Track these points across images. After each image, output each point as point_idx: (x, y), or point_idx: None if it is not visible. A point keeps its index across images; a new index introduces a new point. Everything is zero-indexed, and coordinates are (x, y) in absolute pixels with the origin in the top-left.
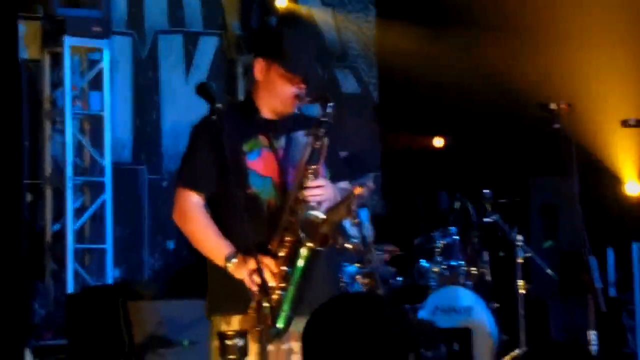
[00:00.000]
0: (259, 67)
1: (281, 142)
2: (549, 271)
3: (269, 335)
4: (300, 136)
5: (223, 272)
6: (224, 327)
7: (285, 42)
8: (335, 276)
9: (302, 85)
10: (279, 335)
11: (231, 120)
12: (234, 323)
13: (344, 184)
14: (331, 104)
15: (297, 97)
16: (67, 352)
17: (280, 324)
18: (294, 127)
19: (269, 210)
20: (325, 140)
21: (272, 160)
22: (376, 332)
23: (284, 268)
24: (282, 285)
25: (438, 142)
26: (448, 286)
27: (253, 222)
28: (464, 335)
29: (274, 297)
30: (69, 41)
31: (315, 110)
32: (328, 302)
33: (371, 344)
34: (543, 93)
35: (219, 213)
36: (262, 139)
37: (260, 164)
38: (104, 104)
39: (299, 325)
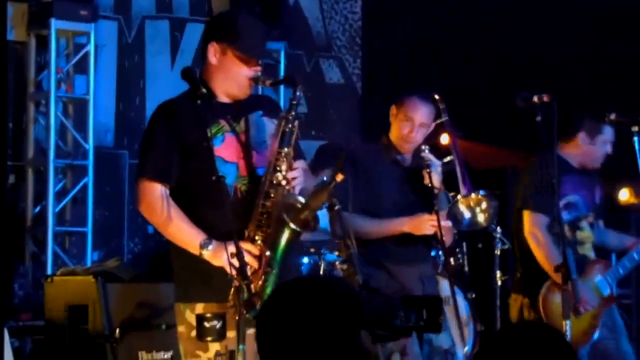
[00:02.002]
0: (213, 51)
1: (241, 125)
2: None
3: (248, 319)
4: (258, 116)
5: (187, 260)
6: (188, 315)
7: (239, 25)
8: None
9: (258, 68)
10: None
11: (191, 106)
12: (198, 311)
13: (300, 164)
14: (299, 86)
15: (253, 79)
16: (45, 333)
17: None
18: (250, 109)
19: (236, 196)
20: (296, 123)
21: (235, 145)
22: (324, 313)
23: (267, 253)
24: (267, 269)
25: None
26: None
27: (222, 208)
28: (435, 303)
29: (259, 282)
30: (55, 24)
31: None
32: (279, 287)
33: (320, 326)
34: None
35: (187, 200)
36: (224, 124)
37: (225, 149)
38: (89, 87)
39: None
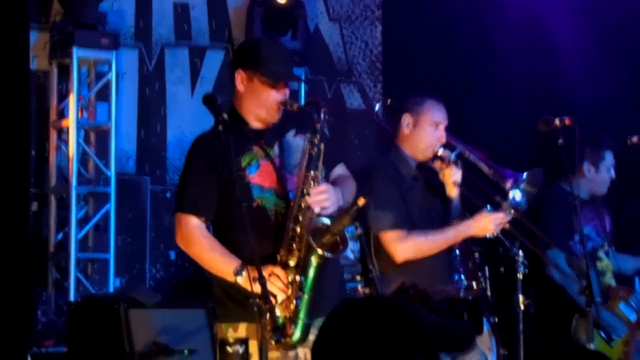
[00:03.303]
0: (240, 78)
1: (275, 149)
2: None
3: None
4: (291, 137)
5: (228, 281)
6: (231, 334)
7: (262, 51)
8: (342, 279)
9: (286, 91)
10: (298, 343)
11: (224, 137)
12: (241, 330)
13: (340, 169)
14: (324, 109)
15: (281, 103)
16: (68, 359)
17: (298, 333)
18: (283, 130)
19: (277, 219)
20: (322, 146)
21: (271, 170)
22: (379, 338)
23: (298, 277)
24: (298, 294)
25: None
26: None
27: (262, 233)
28: (475, 306)
29: (291, 306)
30: (77, 52)
31: None
32: (331, 313)
33: (376, 351)
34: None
35: (226, 228)
36: (257, 150)
37: (261, 176)
38: (111, 115)
39: (314, 332)
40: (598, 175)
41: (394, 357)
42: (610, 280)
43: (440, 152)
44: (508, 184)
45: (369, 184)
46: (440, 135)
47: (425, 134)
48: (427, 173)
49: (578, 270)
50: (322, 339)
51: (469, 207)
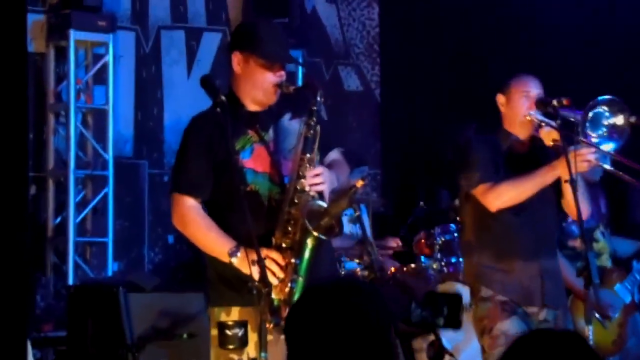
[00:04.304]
0: (237, 60)
1: (270, 133)
2: None
3: (270, 325)
4: (287, 121)
5: (222, 265)
6: (223, 318)
7: (259, 33)
8: (335, 261)
9: (282, 73)
10: None
11: (220, 119)
12: (234, 314)
13: (334, 154)
14: (320, 91)
15: (278, 85)
16: (67, 343)
17: None
18: (279, 113)
19: (270, 204)
20: (318, 129)
21: (265, 155)
22: (358, 313)
23: (293, 260)
24: (293, 277)
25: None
26: (447, 282)
27: (255, 218)
28: (455, 300)
29: (286, 289)
30: (74, 35)
31: None
32: (303, 293)
33: (354, 326)
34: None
35: (220, 211)
36: (252, 134)
37: (254, 161)
38: (108, 98)
39: None
40: None
41: (379, 326)
42: (606, 261)
43: (536, 118)
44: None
45: (462, 151)
46: (531, 102)
47: (517, 108)
48: (534, 148)
49: (573, 252)
50: (288, 322)
51: None
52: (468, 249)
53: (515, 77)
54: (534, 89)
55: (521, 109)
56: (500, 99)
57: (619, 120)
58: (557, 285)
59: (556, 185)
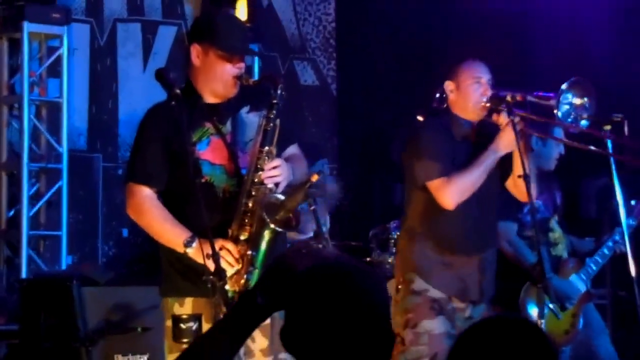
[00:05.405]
0: (196, 52)
1: (227, 126)
2: None
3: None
4: (245, 114)
5: (176, 255)
6: (177, 309)
7: (218, 24)
8: None
9: (242, 65)
10: None
11: (177, 110)
12: (188, 305)
13: (292, 149)
14: (280, 85)
15: (238, 77)
16: (20, 337)
17: None
18: (237, 106)
19: (224, 196)
20: (277, 122)
21: (221, 147)
22: (360, 294)
23: (249, 252)
24: (249, 268)
25: None
26: None
27: (210, 210)
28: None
29: (241, 281)
30: (28, 27)
31: None
32: (306, 274)
33: (357, 306)
34: None
35: (175, 202)
36: (209, 126)
37: (211, 153)
38: (62, 91)
39: None
40: (545, 150)
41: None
42: (562, 252)
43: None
44: (552, 102)
45: (416, 139)
46: (484, 89)
47: (468, 94)
48: (480, 134)
49: (530, 242)
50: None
51: None
52: (410, 236)
53: (463, 63)
54: (485, 74)
55: (474, 95)
56: (450, 85)
57: (581, 101)
58: (492, 276)
59: (500, 173)
